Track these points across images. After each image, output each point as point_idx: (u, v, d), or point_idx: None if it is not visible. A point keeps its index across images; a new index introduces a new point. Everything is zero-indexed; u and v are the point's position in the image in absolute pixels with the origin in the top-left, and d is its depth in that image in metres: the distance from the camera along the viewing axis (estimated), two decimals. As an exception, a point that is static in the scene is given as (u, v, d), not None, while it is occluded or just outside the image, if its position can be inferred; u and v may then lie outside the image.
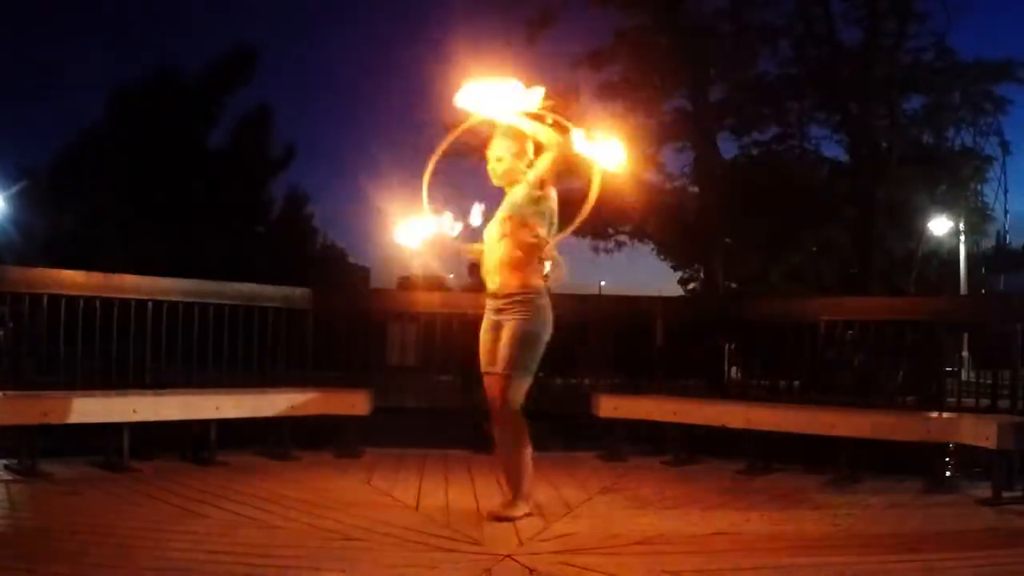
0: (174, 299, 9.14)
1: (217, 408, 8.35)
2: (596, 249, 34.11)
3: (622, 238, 34.16)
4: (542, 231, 6.41)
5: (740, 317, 10.98)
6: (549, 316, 6.50)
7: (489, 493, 7.21)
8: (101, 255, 24.63)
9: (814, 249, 33.87)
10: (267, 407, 8.72)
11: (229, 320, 9.46)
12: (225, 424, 8.52)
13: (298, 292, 10.03)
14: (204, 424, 8.40)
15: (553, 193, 6.51)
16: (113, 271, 9.24)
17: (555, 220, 6.54)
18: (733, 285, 33.55)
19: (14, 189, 29.94)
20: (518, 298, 6.39)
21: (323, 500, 6.85)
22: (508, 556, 5.32)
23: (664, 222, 33.35)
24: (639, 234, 34.25)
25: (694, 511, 6.99)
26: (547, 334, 6.50)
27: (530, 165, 6.55)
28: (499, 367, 6.41)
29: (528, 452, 6.48)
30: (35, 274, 8.64)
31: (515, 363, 6.36)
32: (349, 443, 9.04)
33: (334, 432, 9.27)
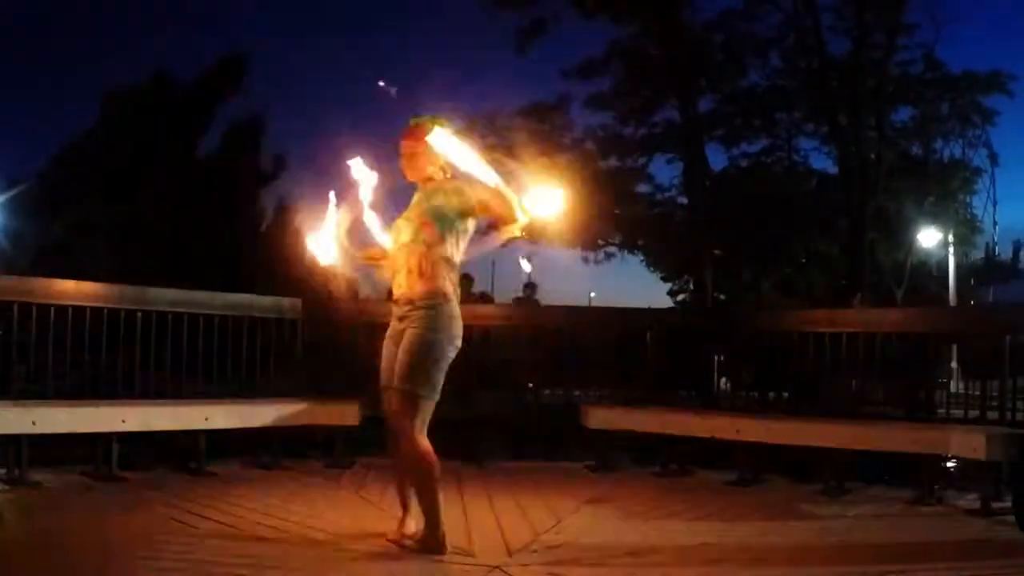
0: (164, 309, 9.14)
1: (207, 418, 8.33)
2: (586, 260, 34.16)
3: (612, 249, 34.21)
4: (452, 246, 5.88)
5: (730, 329, 10.99)
6: (455, 326, 5.86)
7: (478, 504, 7.21)
8: (92, 264, 24.58)
9: (803, 260, 33.95)
10: (257, 417, 8.71)
11: (219, 330, 9.45)
12: (215, 434, 8.52)
13: (288, 302, 10.02)
14: (194, 434, 8.40)
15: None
16: (103, 280, 9.23)
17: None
18: (722, 297, 33.60)
19: (7, 195, 29.87)
20: (421, 305, 5.80)
21: (313, 510, 6.85)
22: (497, 567, 5.32)
23: (654, 233, 33.44)
24: (629, 245, 34.31)
25: (683, 522, 7.00)
26: (452, 346, 5.83)
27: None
28: (397, 382, 5.80)
29: (436, 486, 5.73)
30: (24, 283, 8.64)
31: (415, 377, 5.73)
32: (339, 453, 9.04)
33: (324, 442, 9.27)
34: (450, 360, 5.81)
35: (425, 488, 5.72)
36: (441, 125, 5.96)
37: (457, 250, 5.90)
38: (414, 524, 5.89)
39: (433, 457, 5.69)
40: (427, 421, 5.75)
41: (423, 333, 5.74)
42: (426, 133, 5.91)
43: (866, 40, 27.91)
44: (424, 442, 5.70)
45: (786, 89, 31.72)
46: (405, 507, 6.01)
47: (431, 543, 5.62)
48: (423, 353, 5.73)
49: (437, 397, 5.74)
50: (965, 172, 33.39)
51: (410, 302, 5.80)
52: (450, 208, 5.86)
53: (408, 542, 5.77)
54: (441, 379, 5.76)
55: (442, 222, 5.84)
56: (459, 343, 5.84)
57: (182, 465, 8.47)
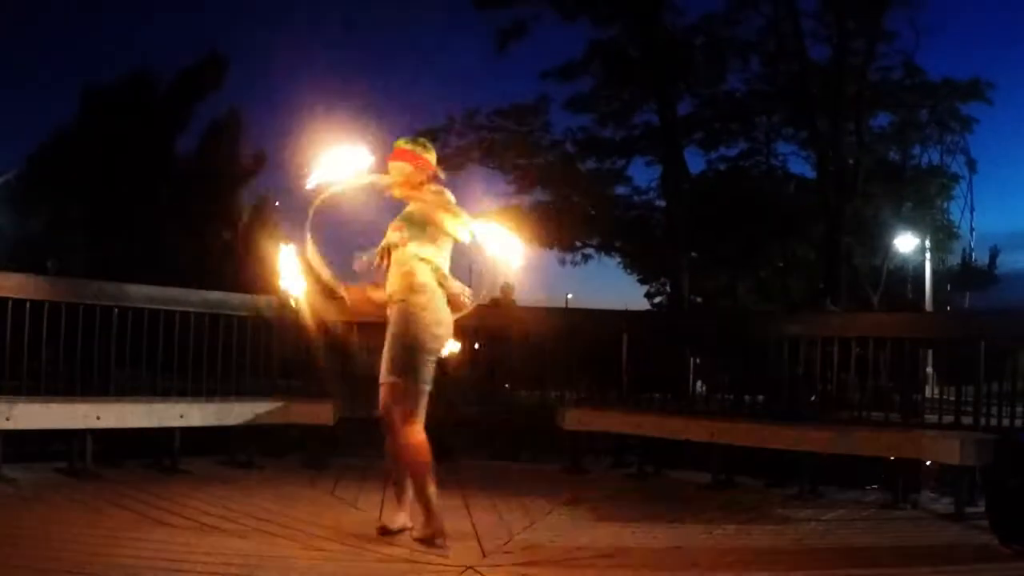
0: (140, 306, 9.11)
1: (182, 416, 8.32)
2: (563, 261, 34.22)
3: (589, 251, 34.29)
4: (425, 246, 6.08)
5: (705, 332, 11.01)
6: (427, 317, 6.02)
7: (453, 505, 7.19)
8: (69, 259, 24.52)
9: (781, 264, 34.05)
10: (232, 416, 8.68)
11: (195, 328, 9.42)
12: (189, 432, 8.49)
13: (263, 301, 9.99)
14: (168, 432, 8.37)
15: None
16: (80, 276, 9.20)
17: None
18: (699, 299, 33.69)
19: None
20: (397, 299, 6.05)
21: (287, 510, 6.83)
22: (470, 568, 5.33)
23: (631, 235, 33.52)
24: (606, 247, 34.38)
25: (656, 524, 7.00)
26: (429, 335, 6.01)
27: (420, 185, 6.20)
28: (387, 376, 6.05)
29: (430, 478, 5.98)
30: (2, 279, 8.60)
31: (396, 368, 5.99)
32: (314, 453, 9.02)
33: (300, 442, 9.25)
34: (432, 349, 6.01)
35: (420, 480, 5.94)
36: (424, 147, 6.23)
37: (436, 249, 6.10)
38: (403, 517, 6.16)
39: (426, 448, 5.93)
40: (418, 412, 5.97)
41: (397, 324, 6.02)
42: (416, 156, 6.23)
43: (846, 46, 28.04)
44: (417, 434, 5.94)
45: (766, 93, 31.84)
46: (399, 500, 6.24)
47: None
48: (400, 344, 5.98)
49: (423, 387, 5.99)
50: (943, 178, 33.58)
51: (390, 297, 6.03)
52: (418, 212, 6.10)
53: (407, 532, 6.05)
54: (422, 367, 5.96)
55: (410, 224, 6.08)
56: (438, 332, 6.04)
57: (157, 463, 8.45)
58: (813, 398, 10.05)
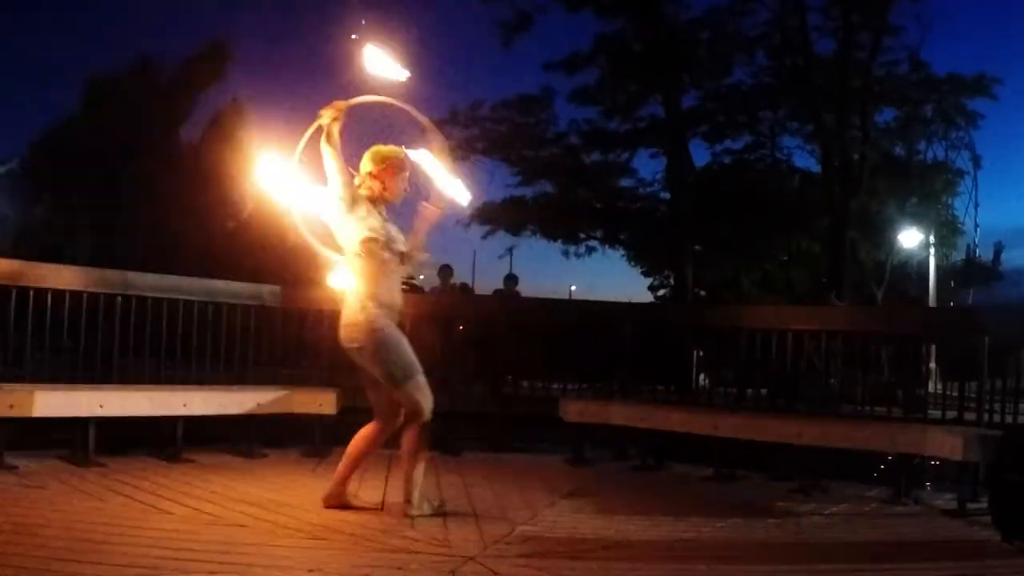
0: (144, 294, 9.09)
1: (185, 404, 8.31)
2: (567, 253, 34.22)
3: (593, 243, 34.27)
4: None
5: (709, 324, 10.99)
6: None
7: (455, 495, 7.20)
8: (73, 248, 24.54)
9: (785, 258, 34.01)
10: (235, 404, 8.67)
11: (199, 316, 9.41)
12: (193, 421, 8.49)
13: (268, 289, 9.97)
14: (171, 420, 8.37)
15: None
16: (84, 263, 9.18)
17: None
18: (703, 292, 33.65)
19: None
20: None
21: (289, 499, 6.83)
22: (472, 559, 5.31)
23: (635, 228, 33.49)
24: (610, 239, 34.37)
25: (659, 517, 6.99)
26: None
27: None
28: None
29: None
30: (3, 266, 8.58)
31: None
32: (317, 442, 9.01)
33: (303, 431, 9.24)
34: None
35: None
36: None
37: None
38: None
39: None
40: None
41: None
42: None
43: (852, 40, 27.99)
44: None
45: (771, 87, 31.79)
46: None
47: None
48: None
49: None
50: (948, 174, 33.51)
51: None
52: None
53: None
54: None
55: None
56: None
57: (160, 451, 8.44)
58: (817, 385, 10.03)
